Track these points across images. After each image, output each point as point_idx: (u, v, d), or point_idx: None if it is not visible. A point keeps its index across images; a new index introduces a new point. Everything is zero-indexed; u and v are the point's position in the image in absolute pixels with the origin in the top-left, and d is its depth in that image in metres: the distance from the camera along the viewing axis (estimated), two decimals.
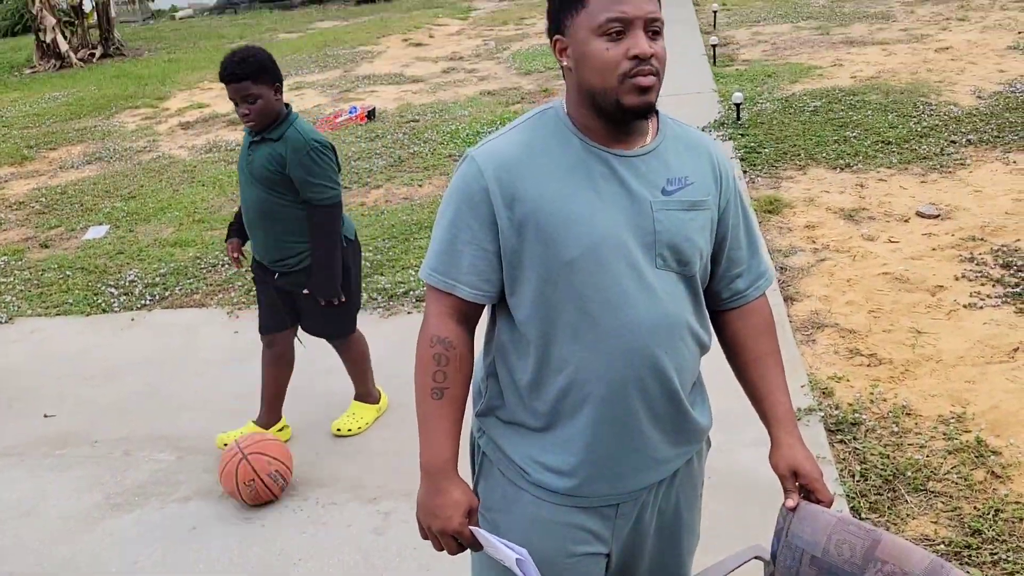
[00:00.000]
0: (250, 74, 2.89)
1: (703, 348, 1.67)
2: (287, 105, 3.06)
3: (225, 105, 9.31)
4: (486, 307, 1.62)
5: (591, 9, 1.46)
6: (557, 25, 1.53)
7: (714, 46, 8.91)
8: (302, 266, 3.10)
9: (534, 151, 1.53)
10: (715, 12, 10.80)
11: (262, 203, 3.04)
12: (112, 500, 3.19)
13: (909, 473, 2.83)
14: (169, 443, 3.51)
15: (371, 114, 8.29)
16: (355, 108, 8.48)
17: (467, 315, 1.58)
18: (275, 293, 3.22)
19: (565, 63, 1.53)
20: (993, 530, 2.55)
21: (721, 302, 1.72)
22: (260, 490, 2.98)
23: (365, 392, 3.46)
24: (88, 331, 4.63)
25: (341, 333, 3.33)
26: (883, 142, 5.97)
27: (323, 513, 2.99)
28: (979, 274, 4.11)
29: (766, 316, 1.73)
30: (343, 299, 3.15)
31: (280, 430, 3.42)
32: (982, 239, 4.46)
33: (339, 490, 3.11)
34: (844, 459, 2.95)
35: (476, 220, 1.52)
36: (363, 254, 5.07)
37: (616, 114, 1.48)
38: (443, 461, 1.56)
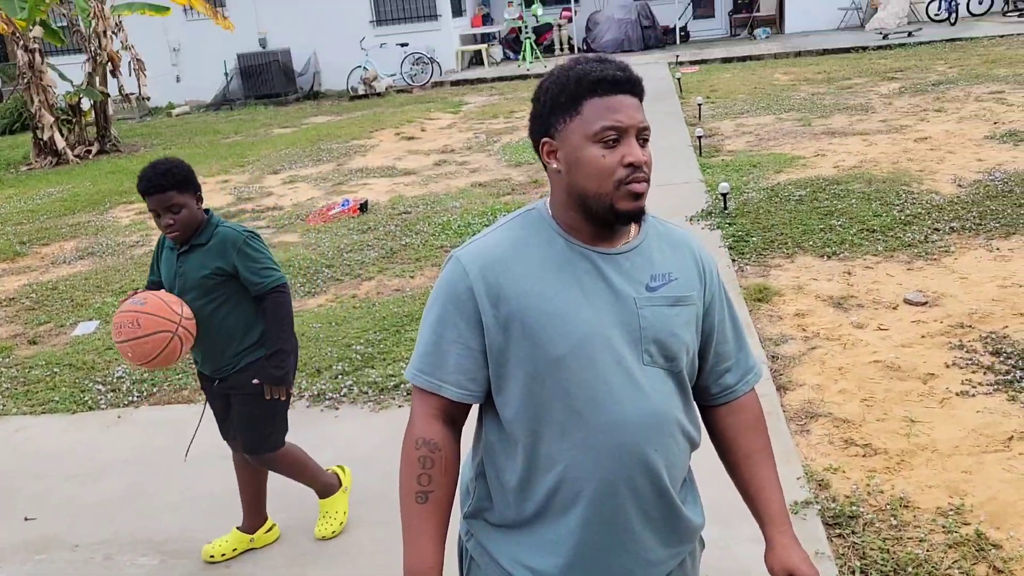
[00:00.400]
0: (175, 184, 2.85)
1: (693, 445, 1.66)
2: (207, 211, 3.03)
3: (217, 199, 9.42)
4: (473, 407, 1.61)
5: (586, 117, 1.49)
6: (546, 128, 1.56)
7: (700, 137, 9.11)
8: (240, 367, 3.04)
9: (518, 250, 1.55)
10: (700, 105, 11.09)
11: (201, 312, 2.97)
12: None
13: (910, 569, 2.77)
14: (152, 546, 3.42)
15: (363, 207, 8.39)
16: (348, 201, 8.59)
17: (453, 416, 1.57)
18: (219, 399, 3.15)
19: (555, 166, 1.55)
20: None
21: (710, 397, 1.72)
22: (120, 323, 2.81)
23: (323, 487, 3.35)
24: (73, 429, 4.57)
25: (265, 447, 3.12)
26: (868, 230, 6.05)
27: None
28: (969, 361, 4.11)
29: (756, 411, 1.73)
30: (291, 392, 3.05)
31: (268, 531, 3.34)
32: (970, 326, 4.48)
33: None
34: (843, 554, 2.89)
35: (462, 319, 1.53)
36: (355, 347, 5.09)
37: (608, 217, 1.52)
38: (427, 568, 1.52)
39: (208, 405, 3.24)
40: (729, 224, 6.49)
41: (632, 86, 1.51)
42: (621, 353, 1.52)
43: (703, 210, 6.91)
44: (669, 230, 1.67)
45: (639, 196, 1.51)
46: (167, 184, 2.85)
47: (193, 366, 5.13)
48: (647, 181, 1.52)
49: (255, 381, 3.00)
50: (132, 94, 14.95)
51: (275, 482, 3.35)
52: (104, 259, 7.78)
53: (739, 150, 9.08)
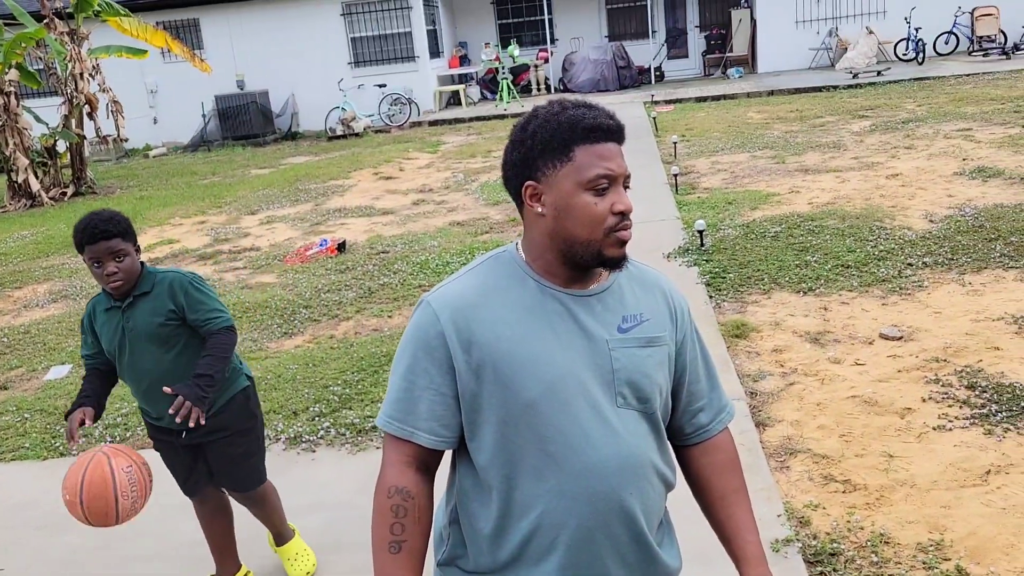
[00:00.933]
0: (120, 232, 2.81)
1: (668, 487, 1.65)
2: (142, 263, 2.96)
3: (194, 240, 9.37)
4: (446, 453, 1.59)
5: (578, 164, 1.49)
6: (531, 172, 1.54)
7: (676, 175, 9.20)
8: (212, 411, 2.96)
9: (490, 294, 1.54)
10: (675, 143, 11.22)
11: (160, 364, 2.89)
12: None
13: None
14: None
15: (341, 246, 8.37)
16: (325, 241, 8.57)
17: (426, 463, 1.55)
18: (184, 453, 3.08)
19: (539, 210, 1.54)
20: None
21: (684, 437, 1.71)
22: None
23: (285, 532, 3.32)
24: (44, 476, 4.47)
25: (256, 480, 3.11)
26: (843, 266, 6.11)
27: None
28: (945, 395, 4.13)
29: (730, 451, 1.72)
30: (203, 421, 2.81)
31: None
32: (945, 360, 4.51)
33: None
34: None
35: (433, 365, 1.51)
36: (332, 388, 5.04)
37: (592, 263, 1.52)
38: None
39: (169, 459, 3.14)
40: (706, 261, 6.53)
41: (619, 134, 1.53)
42: (594, 396, 1.51)
43: (680, 247, 6.95)
44: (641, 271, 1.67)
45: (625, 243, 1.52)
46: (114, 231, 2.79)
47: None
48: (631, 227, 1.53)
49: (166, 389, 2.76)
50: (109, 136, 14.93)
51: (248, 528, 3.29)
52: (78, 302, 7.69)
53: (715, 187, 9.17)
